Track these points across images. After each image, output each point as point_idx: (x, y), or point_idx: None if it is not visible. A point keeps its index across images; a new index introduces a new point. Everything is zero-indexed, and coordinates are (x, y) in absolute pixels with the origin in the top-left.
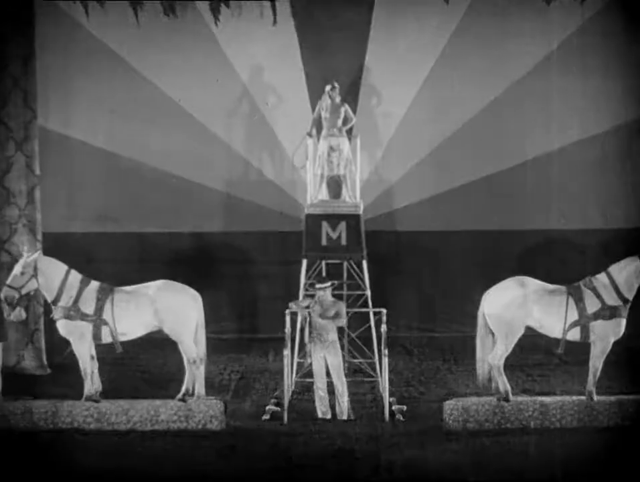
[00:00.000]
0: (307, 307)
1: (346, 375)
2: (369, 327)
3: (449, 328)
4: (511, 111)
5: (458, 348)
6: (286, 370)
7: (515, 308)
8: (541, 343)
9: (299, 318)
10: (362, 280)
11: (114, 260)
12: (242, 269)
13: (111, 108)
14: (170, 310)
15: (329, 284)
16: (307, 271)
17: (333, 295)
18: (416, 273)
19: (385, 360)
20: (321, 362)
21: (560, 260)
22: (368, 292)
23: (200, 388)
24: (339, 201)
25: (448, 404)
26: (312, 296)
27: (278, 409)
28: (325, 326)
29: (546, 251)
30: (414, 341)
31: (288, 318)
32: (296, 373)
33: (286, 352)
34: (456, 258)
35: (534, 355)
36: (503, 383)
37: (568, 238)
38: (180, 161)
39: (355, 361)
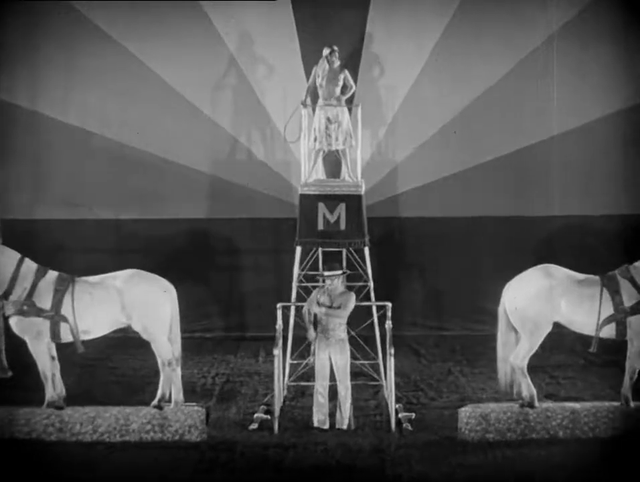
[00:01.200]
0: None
1: None
2: (372, 323)
3: (461, 325)
4: (527, 84)
5: (471, 348)
6: (277, 372)
7: (540, 301)
8: (564, 341)
9: (292, 314)
10: (364, 269)
11: (85, 250)
12: (229, 260)
13: (84, 81)
14: (140, 304)
15: (340, 271)
16: (301, 260)
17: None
18: (423, 264)
19: (391, 360)
20: (325, 362)
21: (586, 247)
22: (371, 284)
23: (177, 393)
24: (338, 181)
25: (464, 411)
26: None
27: (268, 417)
28: (333, 321)
29: (571, 238)
30: (421, 340)
31: (279, 313)
32: (289, 376)
33: (277, 351)
34: (468, 247)
35: (557, 355)
36: (527, 386)
37: (594, 224)
38: (160, 139)
39: (357, 362)
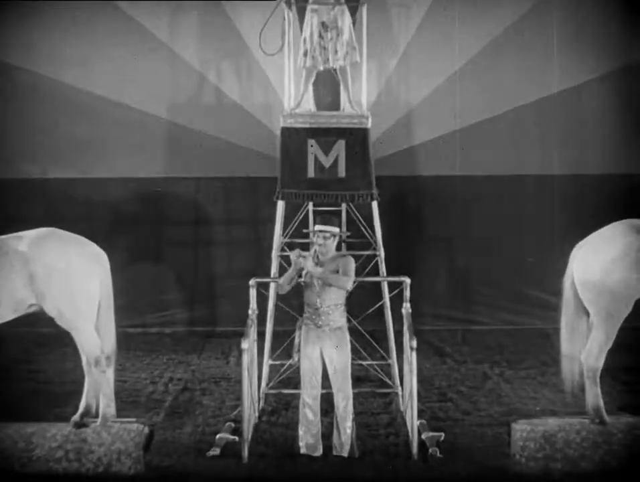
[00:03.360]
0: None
1: None
2: (382, 306)
3: (495, 317)
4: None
5: (510, 345)
6: (247, 375)
7: (625, 267)
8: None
9: (271, 295)
10: (371, 233)
11: (6, 217)
12: (193, 232)
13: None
14: (54, 276)
15: (337, 229)
16: (286, 222)
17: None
18: (446, 237)
19: (413, 357)
20: (315, 362)
21: None
22: (381, 252)
23: (107, 405)
24: (335, 112)
25: (519, 430)
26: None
27: (236, 439)
28: (328, 295)
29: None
30: (445, 336)
31: (253, 292)
32: (267, 382)
33: (247, 345)
34: (504, 215)
35: (621, 355)
36: (595, 396)
37: None
38: (105, 75)
39: (362, 362)
